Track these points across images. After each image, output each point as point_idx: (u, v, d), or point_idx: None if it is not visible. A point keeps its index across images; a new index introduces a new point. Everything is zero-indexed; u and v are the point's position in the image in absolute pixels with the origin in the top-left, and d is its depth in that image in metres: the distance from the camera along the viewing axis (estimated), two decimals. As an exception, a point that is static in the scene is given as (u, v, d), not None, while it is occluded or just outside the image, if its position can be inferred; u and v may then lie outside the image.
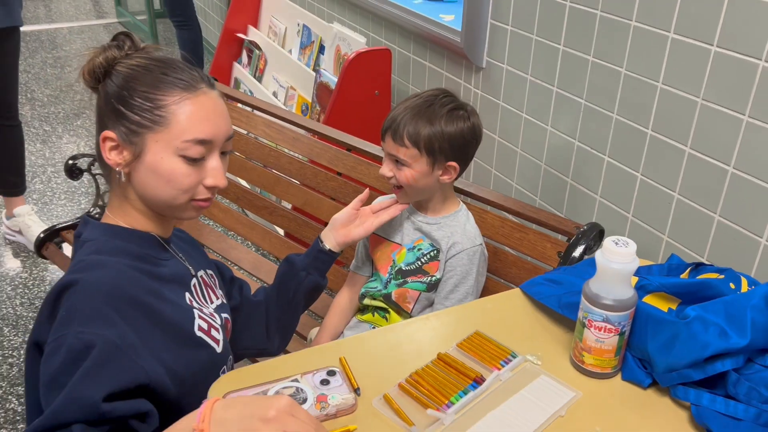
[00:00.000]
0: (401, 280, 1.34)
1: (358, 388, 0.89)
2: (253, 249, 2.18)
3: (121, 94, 0.96)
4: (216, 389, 0.89)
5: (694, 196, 1.40)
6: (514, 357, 0.95)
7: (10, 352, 2.11)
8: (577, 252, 1.29)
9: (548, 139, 1.78)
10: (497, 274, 1.43)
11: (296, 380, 0.90)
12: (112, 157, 0.97)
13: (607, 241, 0.87)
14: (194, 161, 0.96)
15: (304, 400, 0.86)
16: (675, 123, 1.41)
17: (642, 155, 1.50)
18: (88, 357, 0.81)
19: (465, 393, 0.88)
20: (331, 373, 0.91)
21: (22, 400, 1.93)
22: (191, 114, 0.96)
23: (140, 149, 0.96)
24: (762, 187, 1.25)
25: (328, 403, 0.86)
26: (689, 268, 1.05)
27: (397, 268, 1.36)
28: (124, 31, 1.04)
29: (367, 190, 1.36)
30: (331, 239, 1.28)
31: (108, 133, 0.96)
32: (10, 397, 1.94)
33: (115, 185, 1.01)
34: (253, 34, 3.21)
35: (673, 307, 0.95)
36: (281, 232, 2.01)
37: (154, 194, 0.98)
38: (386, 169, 1.30)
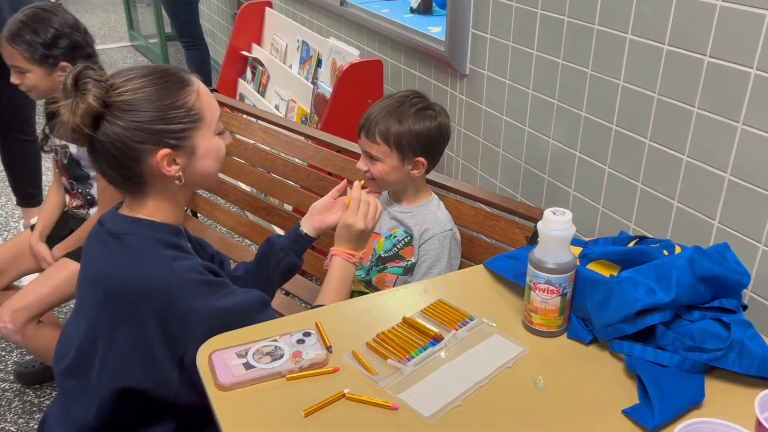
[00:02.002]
0: (381, 267, 1.46)
1: (330, 347, 1.00)
2: (253, 247, 2.30)
3: (153, 116, 1.07)
4: (204, 350, 1.00)
5: (655, 185, 1.51)
6: (472, 320, 1.06)
7: (27, 350, 2.24)
8: (543, 236, 1.39)
9: (526, 139, 1.90)
10: (472, 260, 1.54)
11: (275, 340, 1.01)
12: (171, 170, 1.11)
13: (547, 212, 0.98)
14: (220, 134, 1.17)
15: (281, 356, 0.98)
16: (635, 118, 1.52)
17: (608, 149, 1.61)
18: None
19: (424, 349, 0.99)
20: (307, 334, 1.02)
21: (38, 392, 2.06)
22: (206, 100, 1.14)
23: (192, 148, 1.12)
24: (713, 173, 1.36)
25: (302, 358, 0.97)
26: (634, 241, 1.15)
27: (377, 256, 1.48)
28: (84, 66, 1.06)
29: (344, 181, 1.48)
30: (308, 225, 1.41)
31: (163, 151, 1.08)
32: (27, 390, 2.07)
33: (151, 188, 1.13)
34: (256, 52, 3.37)
35: (615, 273, 1.06)
36: (279, 230, 2.14)
37: (208, 174, 1.17)
38: (362, 164, 1.43)
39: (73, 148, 1.87)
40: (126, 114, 1.06)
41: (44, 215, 1.96)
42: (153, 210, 1.14)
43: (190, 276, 1.08)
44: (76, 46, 1.80)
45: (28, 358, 2.14)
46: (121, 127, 1.06)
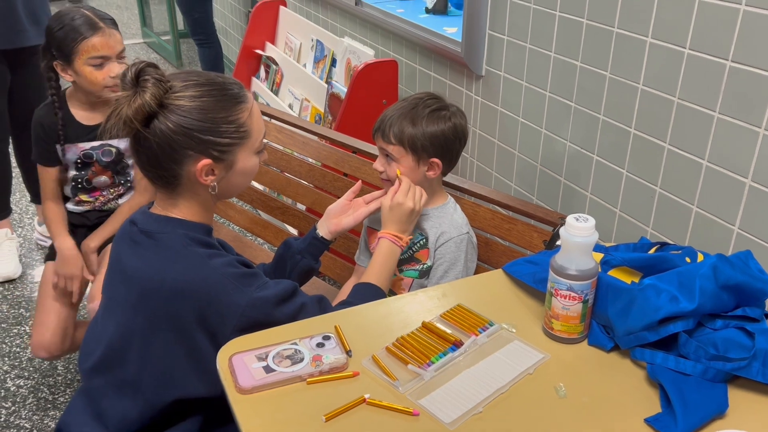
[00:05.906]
0: (398, 269, 1.46)
1: (350, 350, 1.00)
2: (266, 246, 2.31)
3: (205, 126, 1.08)
4: (224, 353, 1.01)
5: (674, 190, 1.50)
6: (491, 325, 1.06)
7: (42, 347, 2.25)
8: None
9: (543, 141, 1.89)
10: (488, 263, 1.53)
11: (295, 343, 1.01)
12: (208, 179, 1.13)
13: (570, 218, 0.97)
14: (260, 153, 1.19)
15: (301, 359, 0.98)
16: (655, 122, 1.51)
17: (626, 153, 1.60)
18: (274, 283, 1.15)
19: (444, 354, 0.99)
20: (326, 337, 1.02)
21: (53, 389, 2.07)
22: (256, 119, 1.15)
23: (232, 162, 1.14)
24: (733, 178, 1.35)
25: (322, 362, 0.97)
26: (655, 247, 1.15)
27: (393, 258, 1.47)
28: (147, 63, 1.07)
29: (359, 182, 1.48)
30: (324, 228, 1.41)
31: (205, 161, 1.10)
32: (41, 387, 2.08)
33: (184, 190, 1.14)
34: (270, 50, 3.37)
35: (636, 280, 1.05)
36: (293, 230, 2.14)
37: (239, 189, 1.19)
38: (378, 164, 1.43)
39: (119, 143, 1.85)
40: (179, 118, 1.08)
41: (59, 227, 1.87)
42: (185, 210, 1.16)
43: (227, 271, 1.10)
44: None
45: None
46: (170, 129, 1.08)
